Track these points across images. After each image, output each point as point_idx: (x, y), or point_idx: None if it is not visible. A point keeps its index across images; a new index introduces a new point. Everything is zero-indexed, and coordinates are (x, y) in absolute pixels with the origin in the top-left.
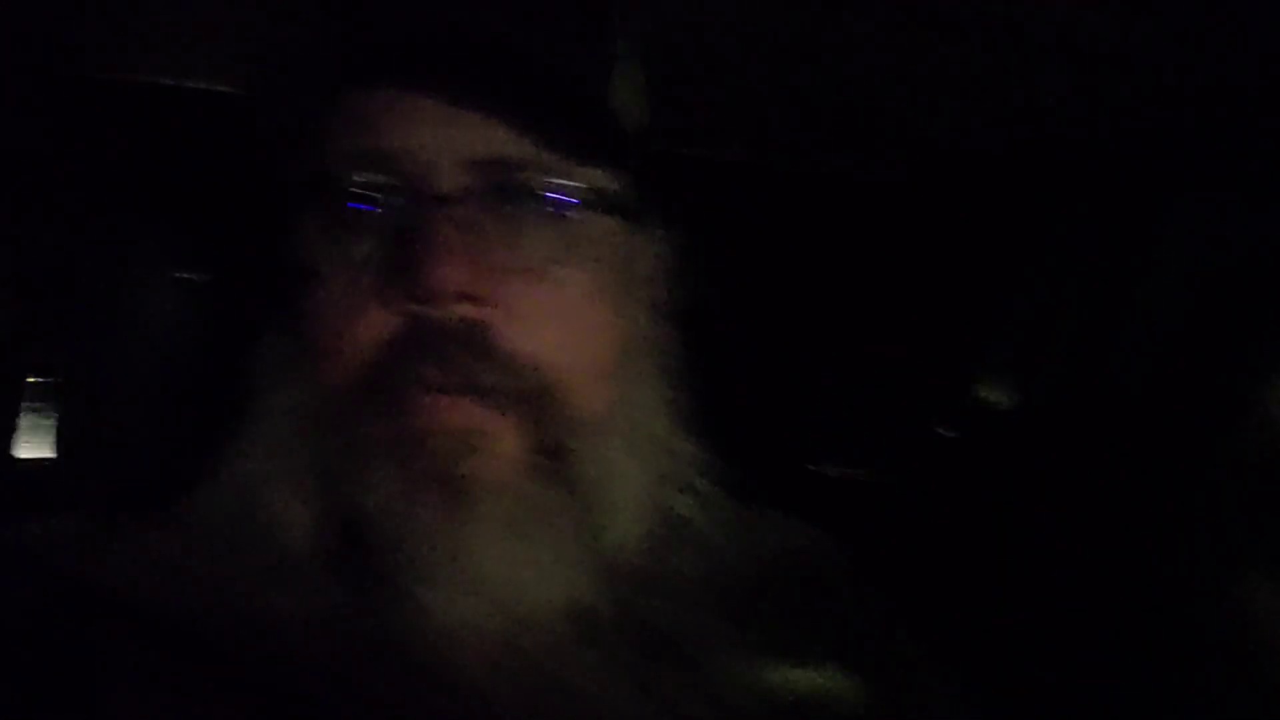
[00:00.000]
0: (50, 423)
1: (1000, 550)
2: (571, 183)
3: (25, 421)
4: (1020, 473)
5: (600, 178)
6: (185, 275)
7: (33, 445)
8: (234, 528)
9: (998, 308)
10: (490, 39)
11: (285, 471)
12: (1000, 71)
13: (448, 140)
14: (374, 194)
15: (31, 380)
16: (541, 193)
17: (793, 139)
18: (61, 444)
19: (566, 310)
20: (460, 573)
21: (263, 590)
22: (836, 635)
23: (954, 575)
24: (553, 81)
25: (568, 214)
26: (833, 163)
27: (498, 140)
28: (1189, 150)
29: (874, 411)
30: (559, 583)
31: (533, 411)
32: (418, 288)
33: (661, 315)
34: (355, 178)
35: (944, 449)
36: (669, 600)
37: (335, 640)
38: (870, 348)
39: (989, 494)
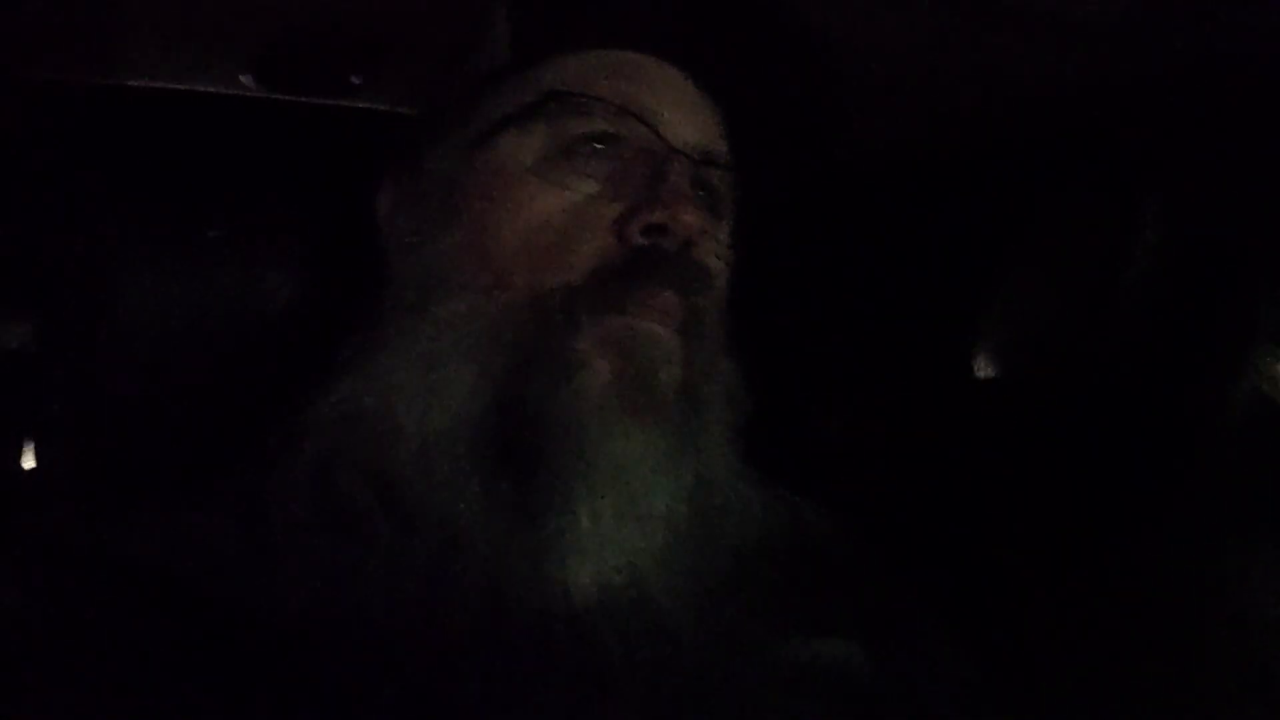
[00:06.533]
0: None
1: (1000, 531)
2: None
3: None
4: (1017, 455)
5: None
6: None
7: None
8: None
9: (992, 288)
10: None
11: (430, 385)
12: (987, 47)
13: (690, 117)
14: (610, 135)
15: None
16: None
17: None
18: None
19: (719, 273)
20: (621, 486)
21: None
22: (848, 612)
23: (958, 556)
24: (771, 110)
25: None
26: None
27: (713, 136)
28: (1176, 129)
29: (877, 392)
30: (665, 516)
31: (694, 347)
32: (660, 223)
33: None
34: (598, 119)
35: (946, 428)
36: (705, 558)
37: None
38: (871, 329)
39: (989, 476)
